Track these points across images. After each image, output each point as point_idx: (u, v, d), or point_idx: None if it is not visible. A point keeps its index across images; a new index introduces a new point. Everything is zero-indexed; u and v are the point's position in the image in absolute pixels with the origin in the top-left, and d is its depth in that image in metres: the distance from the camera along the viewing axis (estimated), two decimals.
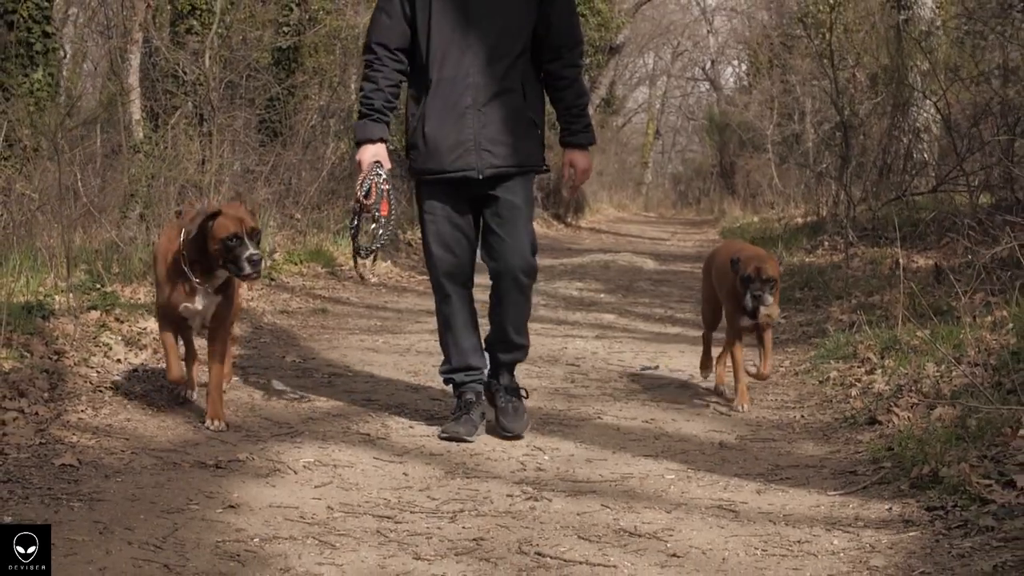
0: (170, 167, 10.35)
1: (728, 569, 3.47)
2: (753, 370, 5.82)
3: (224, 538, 3.57)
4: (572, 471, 4.56)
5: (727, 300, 5.74)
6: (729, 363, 5.90)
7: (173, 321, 4.91)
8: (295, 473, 4.33)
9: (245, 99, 13.36)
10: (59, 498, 3.77)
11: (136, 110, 11.29)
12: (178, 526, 3.64)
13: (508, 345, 5.05)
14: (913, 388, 5.44)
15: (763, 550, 3.64)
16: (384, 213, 4.78)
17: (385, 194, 4.78)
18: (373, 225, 4.80)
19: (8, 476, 3.89)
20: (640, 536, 3.76)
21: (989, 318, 6.32)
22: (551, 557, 3.54)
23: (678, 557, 3.57)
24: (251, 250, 4.66)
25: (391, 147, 5.27)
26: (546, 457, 4.75)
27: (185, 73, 12.15)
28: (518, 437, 4.96)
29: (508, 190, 4.82)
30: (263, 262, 4.80)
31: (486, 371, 5.14)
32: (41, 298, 6.42)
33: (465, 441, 4.90)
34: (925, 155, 13.68)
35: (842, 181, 12.39)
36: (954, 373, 5.41)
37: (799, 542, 3.71)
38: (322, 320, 8.18)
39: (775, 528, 3.86)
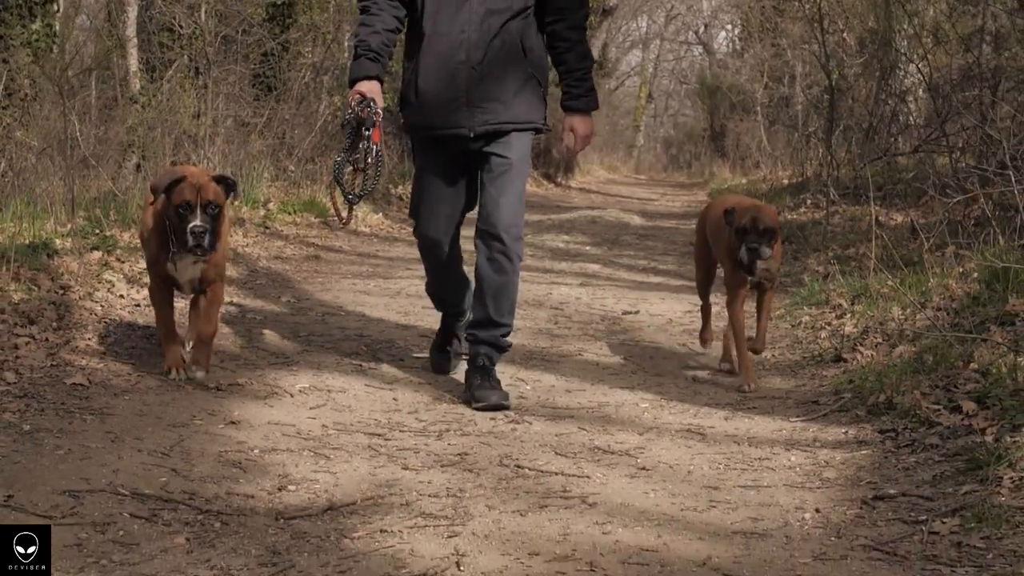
0: (166, 118, 10.56)
1: (692, 480, 3.77)
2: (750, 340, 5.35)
3: (226, 449, 3.86)
4: (552, 399, 4.85)
5: (724, 258, 5.34)
6: (730, 332, 5.44)
7: (164, 282, 4.70)
8: (291, 396, 4.62)
9: (240, 54, 13.52)
10: (72, 411, 4.06)
11: (134, 62, 11.48)
12: (183, 438, 3.92)
13: (486, 323, 4.77)
14: (878, 330, 5.73)
15: (726, 465, 3.94)
16: (376, 140, 4.72)
17: (376, 123, 4.68)
18: (366, 160, 4.70)
19: (24, 392, 4.17)
20: (613, 453, 4.06)
21: (959, 269, 6.59)
22: (529, 469, 3.83)
23: (647, 470, 3.87)
24: (196, 221, 4.41)
25: (385, 105, 5.36)
26: (528, 387, 5.04)
27: (181, 27, 12.32)
28: (492, 407, 4.61)
29: (501, 147, 4.71)
30: (207, 236, 4.44)
31: (464, 304, 5.13)
32: (44, 239, 6.65)
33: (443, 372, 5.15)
34: (911, 118, 13.92)
35: (828, 143, 12.64)
36: (918, 317, 5.69)
37: (759, 459, 4.01)
38: (315, 266, 8.44)
39: (739, 448, 4.16)
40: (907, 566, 2.98)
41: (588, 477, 3.76)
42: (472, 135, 4.67)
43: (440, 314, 5.30)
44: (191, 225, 4.40)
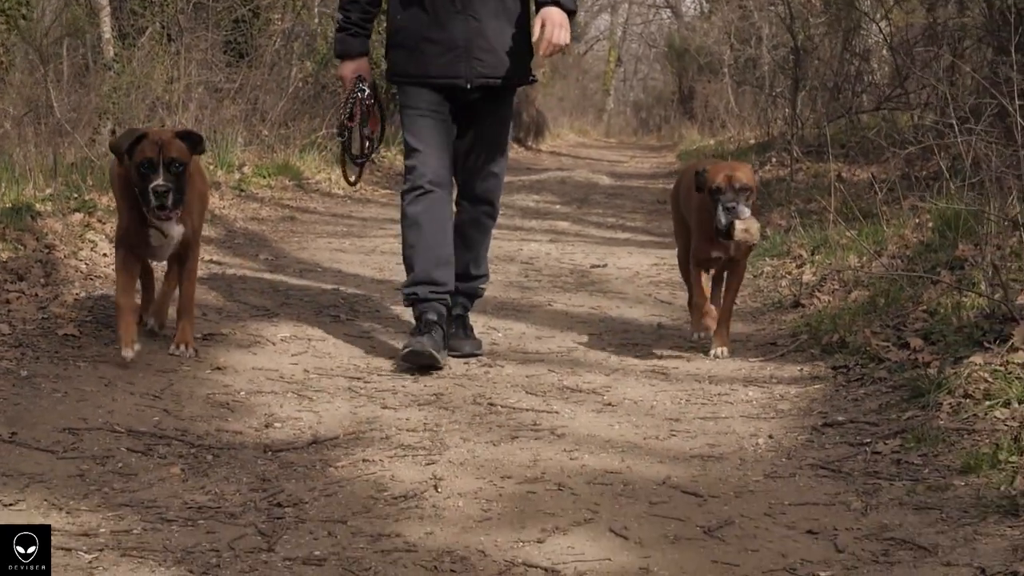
0: (139, 84, 10.67)
1: (655, 413, 4.01)
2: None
3: (214, 391, 4.08)
4: (523, 345, 5.08)
5: (695, 224, 4.89)
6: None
7: (134, 251, 4.48)
8: (273, 345, 4.83)
9: (211, 20, 13.59)
10: (66, 359, 4.26)
11: (107, 29, 11.56)
12: (173, 382, 4.13)
13: (464, 276, 4.87)
14: (836, 277, 5.99)
15: (687, 400, 4.19)
16: (374, 130, 4.84)
17: (370, 110, 4.79)
18: (366, 131, 4.87)
19: (19, 342, 4.36)
20: (581, 392, 4.30)
21: (915, 220, 6.85)
22: (501, 406, 4.07)
23: (612, 406, 4.11)
24: (159, 180, 4.16)
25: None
26: (500, 335, 5.26)
27: None
28: (465, 355, 4.76)
29: (493, 110, 4.69)
30: (170, 195, 4.18)
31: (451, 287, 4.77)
32: (25, 202, 6.79)
33: (435, 366, 4.50)
34: (876, 76, 14.16)
35: (793, 102, 12.88)
36: (873, 264, 5.95)
37: (719, 395, 4.26)
38: (291, 226, 8.62)
39: (699, 385, 4.41)
40: (850, 481, 3.24)
41: (557, 412, 4.00)
42: (469, 87, 4.58)
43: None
44: (153, 184, 4.16)
